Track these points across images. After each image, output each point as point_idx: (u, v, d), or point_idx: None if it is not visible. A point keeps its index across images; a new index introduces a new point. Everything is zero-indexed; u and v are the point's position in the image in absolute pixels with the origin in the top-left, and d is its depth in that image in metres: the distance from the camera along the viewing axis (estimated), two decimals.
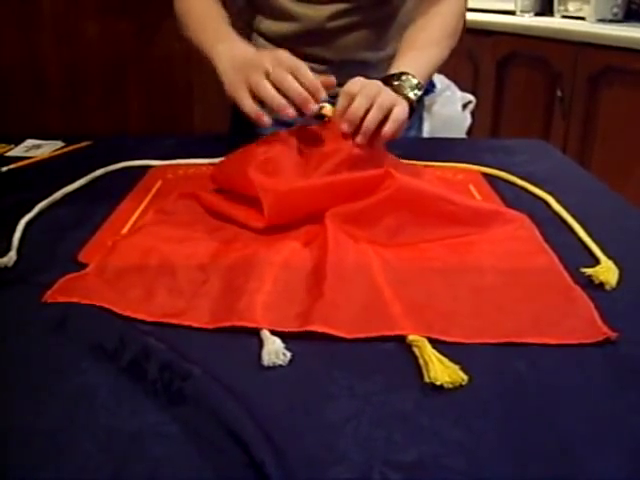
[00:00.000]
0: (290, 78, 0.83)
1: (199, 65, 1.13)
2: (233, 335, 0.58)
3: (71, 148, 1.13)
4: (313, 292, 0.63)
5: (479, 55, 2.78)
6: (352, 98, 0.83)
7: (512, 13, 2.94)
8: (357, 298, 0.62)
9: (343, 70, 1.18)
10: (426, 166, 0.97)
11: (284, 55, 0.86)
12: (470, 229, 0.75)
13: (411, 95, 0.93)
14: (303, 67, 0.84)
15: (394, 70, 0.97)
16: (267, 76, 0.84)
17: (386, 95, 0.85)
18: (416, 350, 0.55)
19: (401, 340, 0.57)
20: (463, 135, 1.33)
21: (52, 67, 1.91)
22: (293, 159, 0.81)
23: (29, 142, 1.17)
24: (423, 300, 0.63)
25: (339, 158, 0.80)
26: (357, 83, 0.85)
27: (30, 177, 1.02)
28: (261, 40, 1.21)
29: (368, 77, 1.22)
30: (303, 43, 1.16)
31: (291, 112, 0.82)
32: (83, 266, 0.69)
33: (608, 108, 2.27)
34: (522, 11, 2.91)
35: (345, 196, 0.75)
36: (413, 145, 1.14)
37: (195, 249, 0.71)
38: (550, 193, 0.91)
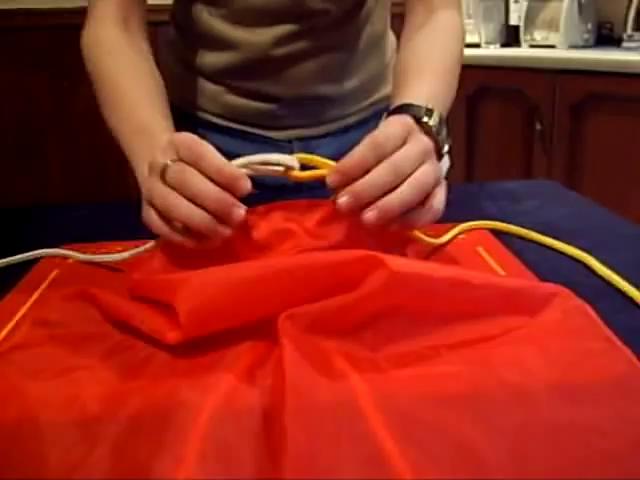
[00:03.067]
0: (197, 179, 0.56)
1: None
2: None
3: None
4: (267, 460, 0.38)
5: None
6: (375, 157, 0.56)
7: (477, 46, 2.78)
8: (340, 460, 0.37)
9: (296, 109, 0.95)
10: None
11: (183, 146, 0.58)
12: (496, 321, 0.51)
13: (446, 147, 0.66)
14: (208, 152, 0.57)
15: (413, 99, 0.68)
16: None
17: (430, 168, 0.59)
18: None
19: None
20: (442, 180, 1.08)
21: None
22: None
23: None
24: (443, 454, 0.38)
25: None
26: (391, 133, 0.58)
27: None
28: (199, 78, 0.97)
29: (328, 116, 1.01)
30: (245, 77, 0.93)
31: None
32: None
33: (595, 139, 2.08)
34: (487, 43, 2.75)
35: (309, 289, 0.50)
36: None
37: (79, 388, 0.45)
38: (585, 250, 0.67)
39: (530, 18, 2.69)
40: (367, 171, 0.56)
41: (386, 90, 1.03)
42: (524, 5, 2.70)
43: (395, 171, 0.56)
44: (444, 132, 0.65)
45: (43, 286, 0.65)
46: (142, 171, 0.68)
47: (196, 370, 0.47)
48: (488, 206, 0.86)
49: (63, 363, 0.49)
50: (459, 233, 0.73)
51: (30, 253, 0.72)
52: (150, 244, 0.64)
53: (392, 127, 0.59)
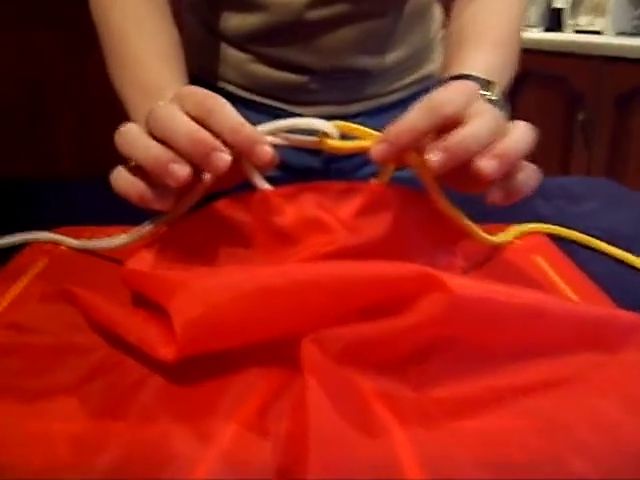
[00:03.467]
0: (172, 116, 0.47)
1: None
2: None
3: None
4: None
5: None
6: (429, 123, 0.45)
7: None
8: None
9: (330, 82, 0.85)
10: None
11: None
12: (571, 359, 0.41)
13: None
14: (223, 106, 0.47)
15: (470, 70, 0.60)
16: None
17: (524, 133, 0.48)
18: None
19: None
20: None
21: None
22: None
23: None
24: None
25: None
26: (450, 98, 0.46)
27: None
28: (222, 44, 0.87)
29: (364, 93, 0.91)
30: (273, 43, 0.83)
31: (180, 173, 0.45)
32: None
33: None
34: (529, 26, 2.63)
35: (344, 309, 0.40)
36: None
37: (47, 423, 0.36)
38: None
39: (576, 1, 2.57)
40: (419, 140, 0.45)
41: (430, 68, 0.93)
42: None
43: (496, 123, 0.45)
44: (506, 110, 0.55)
45: (26, 279, 0.55)
46: None
47: (194, 404, 0.37)
48: (542, 205, 0.75)
49: (30, 384, 0.39)
50: (516, 236, 0.63)
51: (14, 237, 0.63)
52: (149, 226, 0.53)
53: (452, 91, 0.47)
